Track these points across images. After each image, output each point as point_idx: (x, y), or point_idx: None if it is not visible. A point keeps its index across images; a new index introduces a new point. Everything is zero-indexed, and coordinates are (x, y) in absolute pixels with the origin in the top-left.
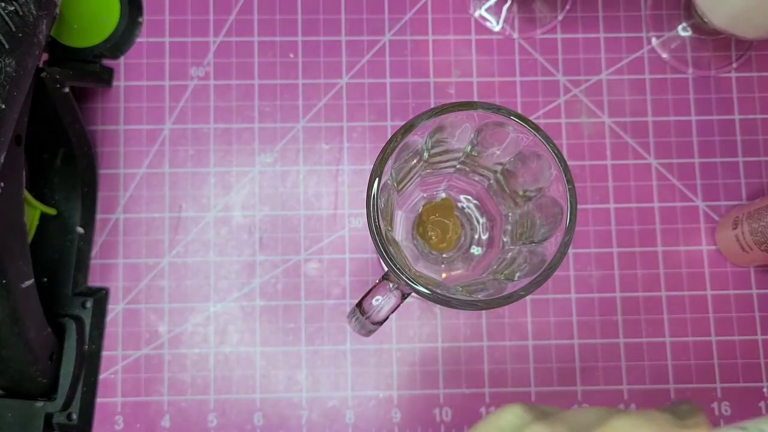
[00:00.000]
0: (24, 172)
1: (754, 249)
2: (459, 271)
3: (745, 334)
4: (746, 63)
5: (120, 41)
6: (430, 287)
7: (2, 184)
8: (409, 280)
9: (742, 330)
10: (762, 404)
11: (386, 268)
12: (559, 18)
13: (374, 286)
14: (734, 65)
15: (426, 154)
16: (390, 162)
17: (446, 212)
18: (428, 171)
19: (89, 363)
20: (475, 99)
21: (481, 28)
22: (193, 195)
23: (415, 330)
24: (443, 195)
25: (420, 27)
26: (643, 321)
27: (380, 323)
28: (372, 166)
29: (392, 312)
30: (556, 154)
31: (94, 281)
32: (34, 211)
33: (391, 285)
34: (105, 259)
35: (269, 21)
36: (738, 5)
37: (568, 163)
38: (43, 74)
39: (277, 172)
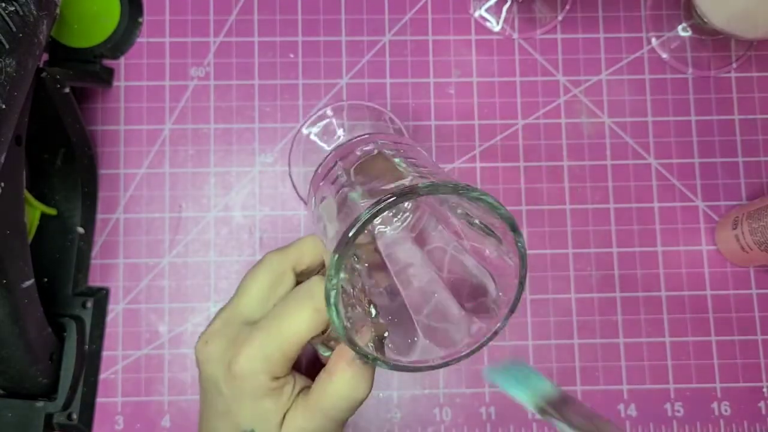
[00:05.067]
0: (24, 172)
1: (754, 249)
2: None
3: (744, 334)
4: (746, 63)
5: (120, 41)
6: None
7: (2, 184)
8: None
9: (742, 330)
10: (762, 404)
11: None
12: (559, 18)
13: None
14: (734, 65)
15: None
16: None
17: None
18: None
19: (89, 363)
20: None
21: (481, 28)
22: (194, 195)
23: None
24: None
25: (420, 27)
26: (643, 321)
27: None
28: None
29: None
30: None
31: (94, 281)
32: (34, 211)
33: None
34: (105, 259)
35: (269, 21)
36: (738, 5)
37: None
38: (44, 74)
39: (277, 172)
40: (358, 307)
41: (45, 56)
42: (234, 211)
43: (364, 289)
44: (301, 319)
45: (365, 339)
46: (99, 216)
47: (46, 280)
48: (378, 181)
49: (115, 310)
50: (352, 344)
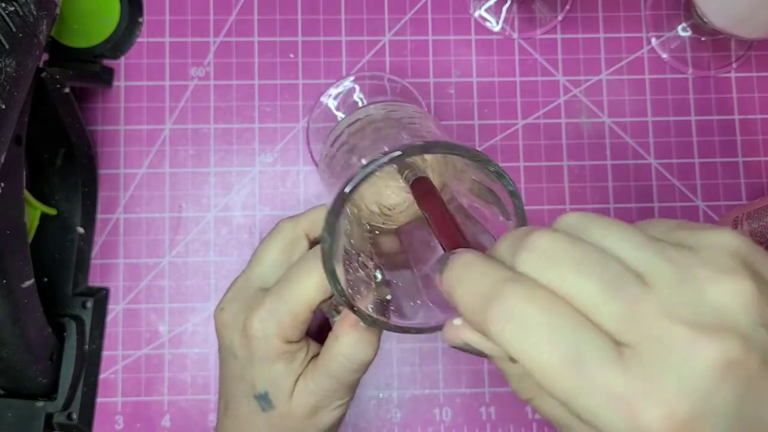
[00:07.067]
0: (24, 172)
1: None
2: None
3: None
4: (746, 63)
5: (120, 41)
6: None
7: (2, 184)
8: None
9: None
10: None
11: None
12: (559, 18)
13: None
14: (734, 65)
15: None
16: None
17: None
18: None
19: (89, 363)
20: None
21: (481, 28)
22: (194, 195)
23: None
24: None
25: (420, 27)
26: None
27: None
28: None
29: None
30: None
31: (94, 281)
32: (34, 211)
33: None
34: (105, 259)
35: (269, 21)
36: (738, 5)
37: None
38: (44, 74)
39: (277, 172)
40: (361, 270)
41: (45, 56)
42: (234, 211)
43: (371, 253)
44: (310, 282)
45: (366, 302)
46: (99, 216)
47: (46, 280)
48: (379, 143)
49: (115, 310)
50: (350, 306)
